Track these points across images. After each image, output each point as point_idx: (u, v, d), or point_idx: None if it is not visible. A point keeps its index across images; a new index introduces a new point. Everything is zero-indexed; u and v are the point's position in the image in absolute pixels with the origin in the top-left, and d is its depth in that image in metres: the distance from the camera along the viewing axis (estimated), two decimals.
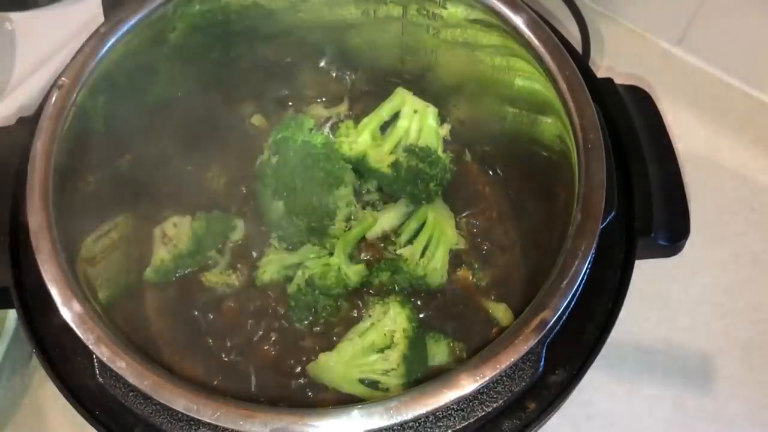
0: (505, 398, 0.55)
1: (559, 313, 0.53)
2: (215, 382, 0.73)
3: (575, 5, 0.98)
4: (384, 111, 0.81)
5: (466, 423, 0.54)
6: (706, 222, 0.89)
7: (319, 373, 0.70)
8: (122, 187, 0.76)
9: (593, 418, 0.79)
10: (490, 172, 0.84)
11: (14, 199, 0.65)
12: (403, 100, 0.81)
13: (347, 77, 0.87)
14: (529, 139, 0.74)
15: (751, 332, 0.83)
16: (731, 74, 0.98)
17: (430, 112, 0.80)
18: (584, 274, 0.56)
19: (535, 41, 0.64)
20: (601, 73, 0.70)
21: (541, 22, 0.66)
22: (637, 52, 1.01)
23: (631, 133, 0.68)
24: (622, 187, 0.65)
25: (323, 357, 0.70)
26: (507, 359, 0.51)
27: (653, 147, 0.68)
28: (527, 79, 0.69)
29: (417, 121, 0.80)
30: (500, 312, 0.74)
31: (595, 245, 0.56)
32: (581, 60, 0.68)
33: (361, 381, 0.69)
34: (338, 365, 0.69)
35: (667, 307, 0.85)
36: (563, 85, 0.63)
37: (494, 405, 0.54)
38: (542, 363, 0.55)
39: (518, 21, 0.65)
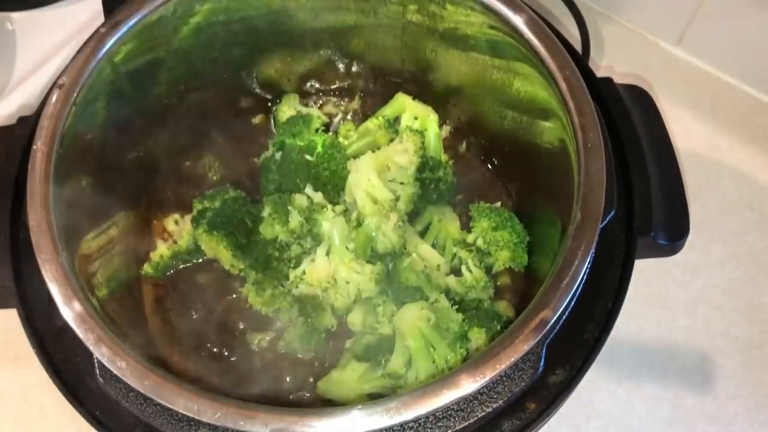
0: (505, 398, 0.55)
1: (559, 313, 0.53)
2: (211, 380, 0.73)
3: (575, 5, 0.98)
4: (383, 116, 0.81)
5: (466, 423, 0.54)
6: (706, 221, 0.89)
7: (328, 388, 0.70)
8: (122, 185, 0.76)
9: (593, 418, 0.79)
10: (491, 171, 0.84)
11: (14, 199, 0.65)
12: (403, 105, 0.81)
13: (348, 77, 0.87)
14: (529, 139, 0.74)
15: (750, 332, 0.83)
16: (730, 74, 0.98)
17: (432, 118, 0.80)
18: (584, 273, 0.56)
19: (535, 41, 0.64)
20: (600, 73, 0.70)
21: (541, 22, 0.66)
22: (636, 51, 1.01)
23: (630, 132, 0.68)
24: (621, 186, 0.65)
25: (335, 373, 0.70)
26: (507, 359, 0.51)
27: (653, 146, 0.68)
28: (527, 78, 0.69)
29: (418, 127, 0.80)
30: (501, 308, 0.74)
31: (594, 245, 0.56)
32: (581, 60, 0.68)
33: (370, 395, 0.69)
34: (350, 381, 0.69)
35: (667, 306, 0.85)
36: (563, 85, 0.63)
37: (494, 405, 0.54)
38: (542, 363, 0.56)
39: (518, 21, 0.65)
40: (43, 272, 0.56)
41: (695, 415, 0.79)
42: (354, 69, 0.85)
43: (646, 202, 0.65)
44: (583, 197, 0.58)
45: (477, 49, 0.73)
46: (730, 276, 0.86)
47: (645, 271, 0.82)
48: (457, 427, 0.54)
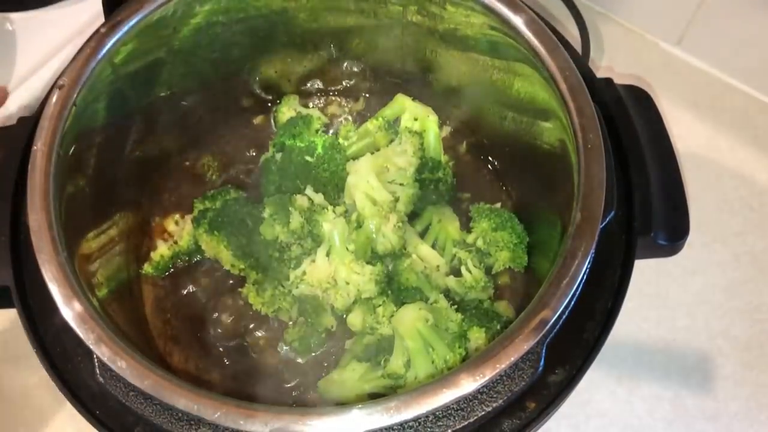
0: (505, 398, 0.55)
1: (558, 313, 0.53)
2: (211, 379, 0.73)
3: (575, 6, 0.98)
4: (383, 117, 0.81)
5: (466, 422, 0.54)
6: (706, 222, 0.89)
7: (329, 388, 0.70)
8: (122, 185, 0.76)
9: (593, 418, 0.79)
10: (491, 171, 0.84)
11: (15, 199, 0.65)
12: (403, 106, 0.81)
13: (350, 78, 0.87)
14: (530, 139, 0.74)
15: (750, 332, 0.83)
16: (730, 74, 0.98)
17: (431, 119, 0.80)
18: (584, 273, 0.56)
19: (535, 41, 0.64)
20: (600, 73, 0.70)
21: (541, 23, 0.66)
22: (636, 52, 1.01)
23: (630, 133, 0.68)
24: (621, 186, 0.65)
25: (336, 374, 0.71)
26: (507, 359, 0.51)
27: (653, 147, 0.68)
28: (527, 79, 0.69)
29: (418, 128, 0.80)
30: (501, 308, 0.74)
31: (594, 245, 0.56)
32: (581, 60, 0.68)
33: (371, 395, 0.69)
34: (350, 381, 0.69)
35: (667, 306, 0.85)
36: (563, 86, 0.63)
37: (494, 405, 0.54)
38: (542, 363, 0.55)
39: (518, 21, 0.66)
40: (43, 272, 0.56)
41: (695, 414, 0.79)
42: (355, 69, 0.85)
43: (646, 203, 0.64)
44: (583, 198, 0.58)
45: (477, 49, 0.73)
46: (730, 276, 0.86)
47: (645, 271, 0.82)
48: (457, 427, 0.53)
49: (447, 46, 0.76)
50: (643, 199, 0.65)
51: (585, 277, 0.57)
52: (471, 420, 0.54)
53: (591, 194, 0.58)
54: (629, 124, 0.68)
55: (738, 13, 0.91)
